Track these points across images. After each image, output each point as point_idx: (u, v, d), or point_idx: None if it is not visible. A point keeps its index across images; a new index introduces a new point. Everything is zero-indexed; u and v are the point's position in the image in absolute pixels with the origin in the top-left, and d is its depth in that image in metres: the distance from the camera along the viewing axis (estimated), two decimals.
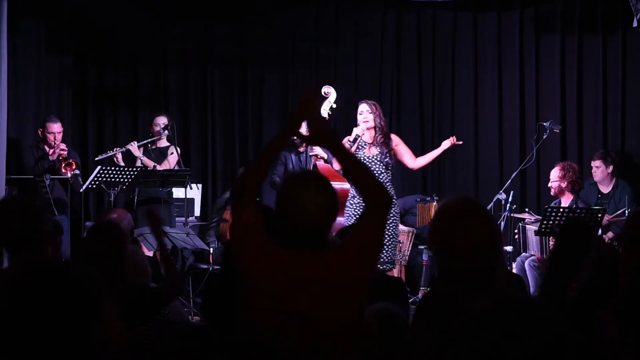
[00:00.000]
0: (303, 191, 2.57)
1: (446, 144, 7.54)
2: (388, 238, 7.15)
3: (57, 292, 1.88)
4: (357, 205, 7.31)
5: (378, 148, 7.47)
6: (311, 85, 9.34)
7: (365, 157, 7.43)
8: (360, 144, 7.50)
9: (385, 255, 7.27)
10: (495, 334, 1.73)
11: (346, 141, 7.50)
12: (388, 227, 7.67)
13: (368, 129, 7.48)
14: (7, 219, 3.36)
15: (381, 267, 7.02)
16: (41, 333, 1.85)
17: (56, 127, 8.04)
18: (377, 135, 7.49)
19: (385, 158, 7.44)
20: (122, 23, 9.20)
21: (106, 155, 7.91)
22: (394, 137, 7.64)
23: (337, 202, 2.63)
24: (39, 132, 8.13)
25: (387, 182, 7.41)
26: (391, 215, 7.47)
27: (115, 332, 2.75)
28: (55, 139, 7.99)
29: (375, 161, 7.43)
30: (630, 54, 8.91)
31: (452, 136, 7.59)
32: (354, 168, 2.72)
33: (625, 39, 8.89)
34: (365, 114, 7.51)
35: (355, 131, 7.50)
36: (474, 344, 1.75)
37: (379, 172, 7.38)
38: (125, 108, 9.43)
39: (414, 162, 7.61)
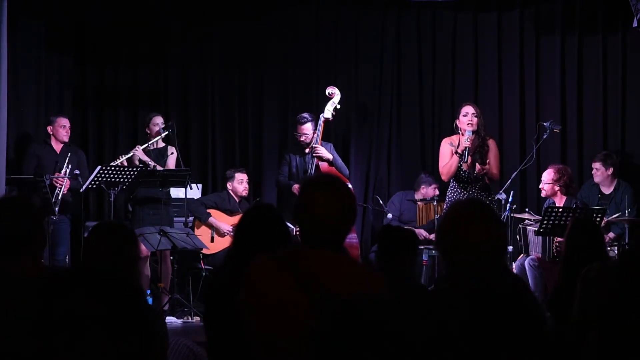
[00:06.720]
0: (323, 196, 2.55)
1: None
2: None
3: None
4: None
5: (473, 156, 6.91)
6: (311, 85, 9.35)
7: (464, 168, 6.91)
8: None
9: None
10: None
11: (454, 153, 6.89)
12: None
13: (473, 133, 6.88)
14: (8, 219, 3.26)
15: None
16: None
17: (66, 121, 8.16)
18: (475, 140, 6.93)
19: (475, 170, 6.93)
20: (122, 23, 9.19)
21: (114, 164, 7.78)
22: (491, 143, 7.08)
23: (355, 204, 2.64)
24: (49, 130, 8.14)
25: (478, 193, 6.97)
26: None
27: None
28: (67, 133, 8.11)
29: (466, 173, 6.95)
30: (630, 54, 8.92)
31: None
32: None
33: (625, 39, 8.89)
34: (470, 116, 6.93)
35: (464, 143, 6.87)
36: None
37: (472, 188, 6.95)
38: (125, 108, 9.43)
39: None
